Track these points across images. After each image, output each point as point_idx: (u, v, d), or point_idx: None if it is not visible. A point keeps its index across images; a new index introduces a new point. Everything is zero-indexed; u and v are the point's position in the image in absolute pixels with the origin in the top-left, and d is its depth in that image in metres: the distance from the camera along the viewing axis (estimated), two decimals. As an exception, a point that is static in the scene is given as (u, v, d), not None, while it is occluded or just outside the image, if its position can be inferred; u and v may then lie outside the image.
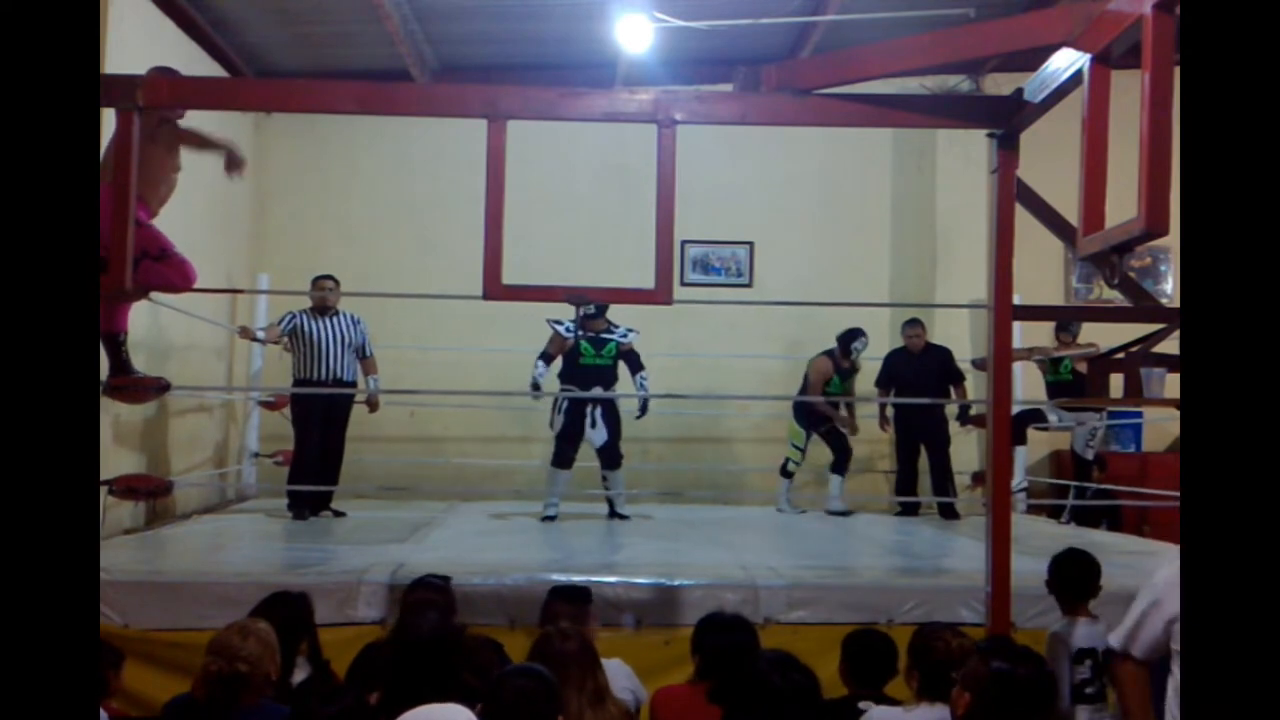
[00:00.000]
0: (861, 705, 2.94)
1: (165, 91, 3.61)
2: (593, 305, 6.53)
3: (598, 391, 6.68)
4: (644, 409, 6.87)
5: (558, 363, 6.85)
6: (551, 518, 6.70)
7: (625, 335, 6.83)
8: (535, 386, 6.71)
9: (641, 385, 6.86)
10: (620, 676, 3.26)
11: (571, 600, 3.50)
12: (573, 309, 6.53)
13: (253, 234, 8.64)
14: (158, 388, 5.25)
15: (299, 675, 3.25)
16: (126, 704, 3.60)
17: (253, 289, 8.08)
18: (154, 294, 5.00)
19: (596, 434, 6.76)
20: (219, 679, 2.75)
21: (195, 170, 7.30)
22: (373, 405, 6.91)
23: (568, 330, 6.74)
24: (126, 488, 5.48)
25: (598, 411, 6.75)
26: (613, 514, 6.90)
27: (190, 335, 7.19)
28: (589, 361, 6.76)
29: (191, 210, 7.24)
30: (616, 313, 6.73)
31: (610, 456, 6.83)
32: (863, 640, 3.22)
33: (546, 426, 6.91)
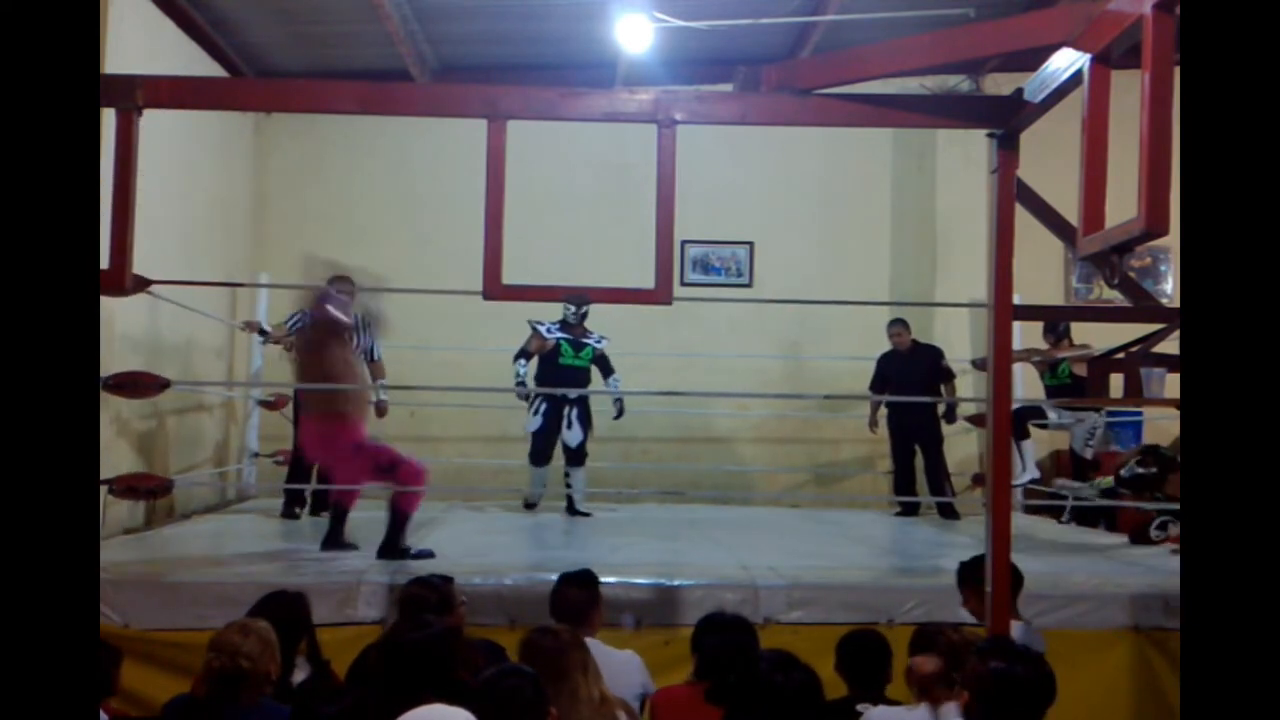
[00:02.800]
0: (860, 707, 2.94)
1: (165, 92, 3.61)
2: (576, 312, 6.88)
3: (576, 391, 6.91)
4: (620, 411, 7.10)
5: (533, 363, 7.09)
6: (532, 505, 7.08)
7: (600, 341, 7.11)
8: (524, 395, 6.99)
9: (615, 387, 7.15)
10: (632, 670, 3.26)
11: (582, 585, 3.53)
12: (556, 311, 6.90)
13: (253, 234, 8.64)
14: (158, 384, 5.27)
15: (299, 675, 3.25)
16: (126, 704, 3.60)
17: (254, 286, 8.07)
18: (154, 291, 5.01)
19: (572, 434, 6.98)
20: (220, 675, 2.75)
21: (195, 170, 7.34)
22: (381, 410, 6.79)
23: (549, 331, 6.99)
24: (126, 487, 5.48)
25: (574, 412, 6.97)
26: (572, 511, 7.07)
27: (190, 335, 7.18)
28: (568, 362, 7.00)
29: (191, 210, 7.26)
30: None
31: (578, 455, 7.05)
32: (856, 641, 3.23)
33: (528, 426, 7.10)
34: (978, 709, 2.46)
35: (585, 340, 7.03)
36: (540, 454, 7.03)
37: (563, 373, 6.93)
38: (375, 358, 6.77)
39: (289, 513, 6.61)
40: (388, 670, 2.75)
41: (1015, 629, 3.40)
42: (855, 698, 3.04)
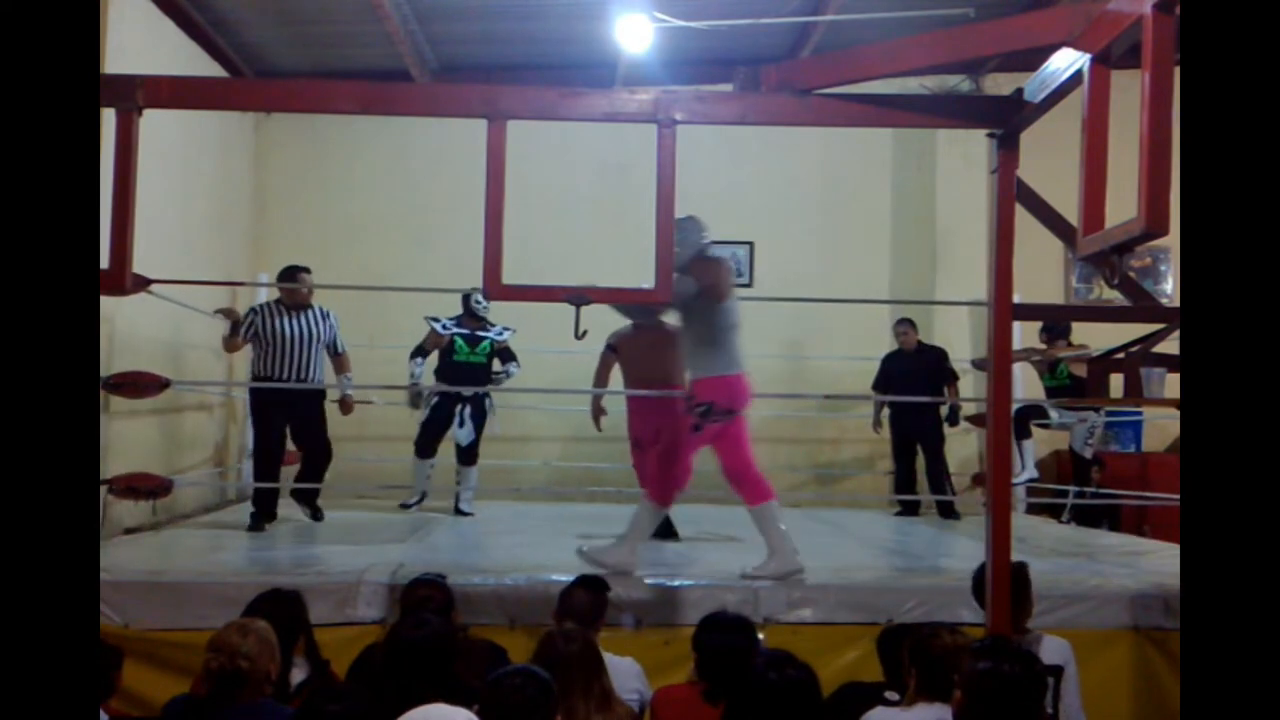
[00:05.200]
0: (888, 695, 2.98)
1: (165, 92, 3.61)
2: (482, 305, 6.78)
3: (468, 389, 6.82)
4: (507, 374, 7.05)
5: (433, 358, 7.01)
6: (409, 505, 6.95)
7: (501, 334, 7.01)
8: (416, 394, 6.85)
9: (508, 373, 7.03)
10: (630, 677, 3.27)
11: (593, 589, 3.54)
12: (457, 307, 6.78)
13: (253, 234, 8.64)
14: (158, 384, 5.27)
15: (297, 675, 3.25)
16: (126, 704, 3.60)
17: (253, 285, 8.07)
18: (154, 291, 5.01)
19: (464, 433, 6.88)
20: (220, 676, 2.75)
21: (195, 170, 7.34)
22: (346, 407, 6.46)
23: (444, 327, 6.88)
24: (126, 487, 5.48)
25: (466, 410, 6.88)
26: (458, 511, 6.98)
27: (190, 335, 7.18)
28: (462, 358, 6.90)
29: (191, 210, 7.26)
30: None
31: (470, 454, 6.96)
32: (891, 635, 3.32)
33: (416, 415, 7.02)
34: (968, 707, 2.47)
35: (482, 334, 6.92)
36: (426, 446, 6.96)
37: (458, 369, 6.80)
38: (339, 351, 6.36)
39: (256, 524, 5.98)
40: (389, 669, 2.75)
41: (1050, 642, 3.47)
42: (887, 685, 3.12)
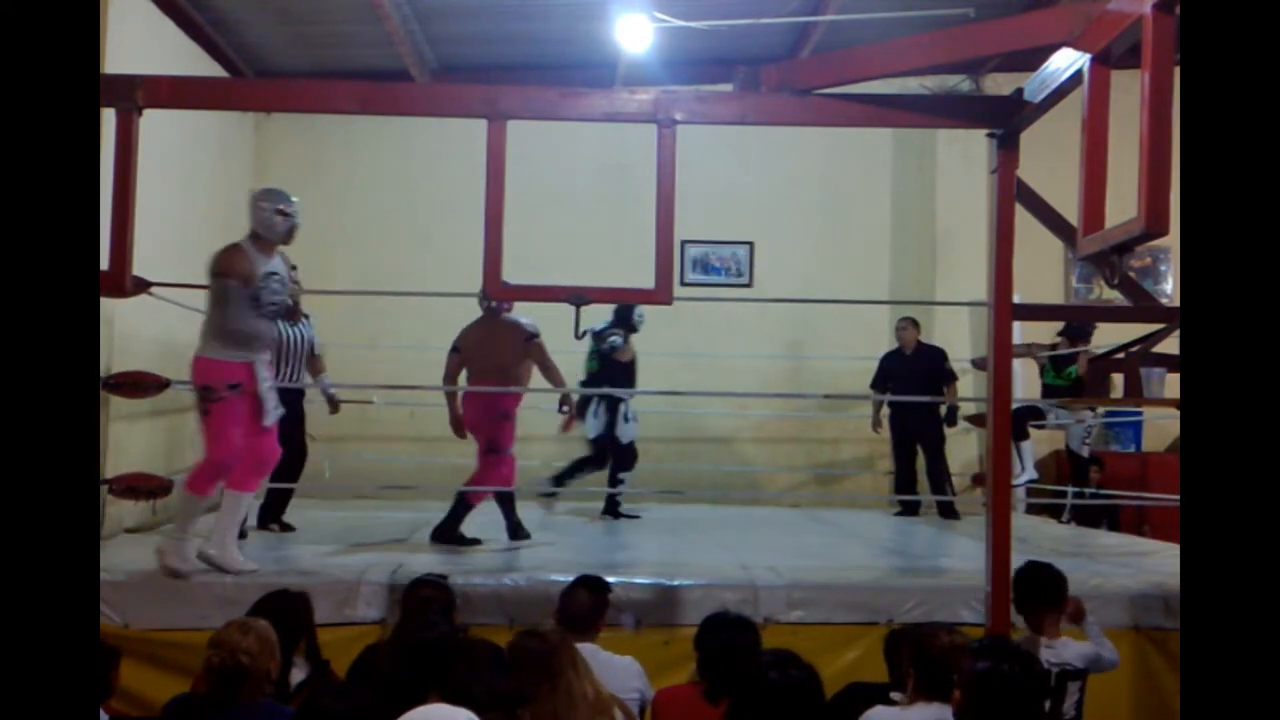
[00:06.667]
0: (894, 695, 2.99)
1: (165, 92, 3.61)
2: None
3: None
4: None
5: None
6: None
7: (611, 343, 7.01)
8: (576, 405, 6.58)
9: (613, 345, 7.03)
10: (630, 677, 3.27)
11: (595, 589, 3.55)
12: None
13: (253, 234, 8.63)
14: (158, 384, 5.26)
15: (297, 675, 3.25)
16: (126, 704, 3.60)
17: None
18: (155, 292, 5.01)
19: (629, 428, 6.98)
20: (220, 672, 2.76)
21: (195, 170, 7.34)
22: (335, 405, 6.22)
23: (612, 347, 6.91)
24: (126, 488, 5.48)
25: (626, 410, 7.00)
26: (618, 514, 7.02)
27: (190, 335, 7.17)
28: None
29: (191, 210, 7.26)
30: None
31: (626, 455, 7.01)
32: (898, 637, 3.30)
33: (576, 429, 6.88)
34: (967, 707, 2.47)
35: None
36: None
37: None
38: (316, 352, 6.06)
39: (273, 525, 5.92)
40: (394, 670, 2.75)
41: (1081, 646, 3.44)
42: (892, 686, 3.12)
